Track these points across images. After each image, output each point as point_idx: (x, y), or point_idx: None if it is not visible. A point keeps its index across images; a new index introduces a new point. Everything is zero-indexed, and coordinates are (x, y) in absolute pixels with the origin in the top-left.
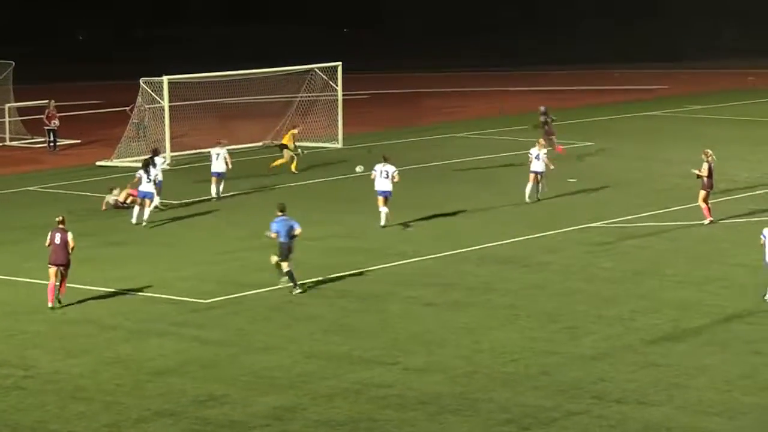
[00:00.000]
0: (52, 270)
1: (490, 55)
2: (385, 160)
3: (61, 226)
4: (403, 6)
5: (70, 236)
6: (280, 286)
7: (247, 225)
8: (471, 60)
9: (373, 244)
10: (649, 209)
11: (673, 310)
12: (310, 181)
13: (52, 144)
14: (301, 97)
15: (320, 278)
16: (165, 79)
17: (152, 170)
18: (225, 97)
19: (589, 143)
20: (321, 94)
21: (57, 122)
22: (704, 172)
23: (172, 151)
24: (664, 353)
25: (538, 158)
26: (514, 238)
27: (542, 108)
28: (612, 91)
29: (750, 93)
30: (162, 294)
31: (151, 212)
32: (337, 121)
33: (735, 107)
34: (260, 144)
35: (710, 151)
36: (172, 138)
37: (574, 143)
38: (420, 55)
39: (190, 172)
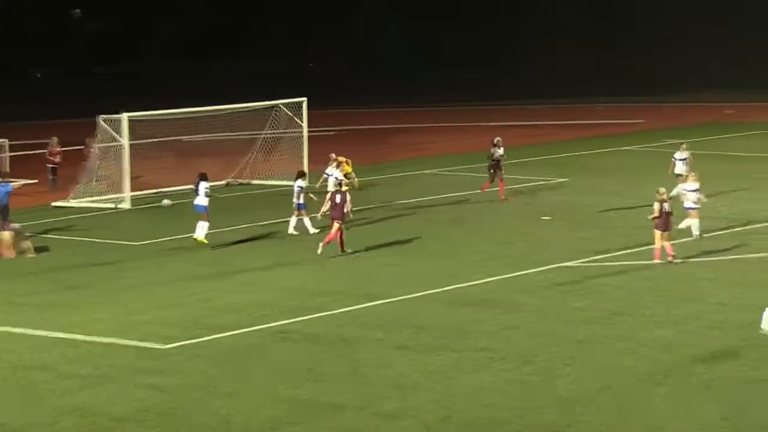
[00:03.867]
0: (335, 223)
1: (469, 88)
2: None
3: (339, 188)
4: (372, 41)
5: (348, 197)
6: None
7: (213, 265)
8: (439, 94)
9: (341, 285)
10: (625, 247)
11: (651, 350)
12: (274, 221)
13: (53, 180)
14: (266, 134)
15: (287, 321)
16: (125, 116)
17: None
18: (187, 134)
19: (564, 179)
20: (286, 131)
21: (59, 158)
22: (656, 213)
23: (132, 190)
24: (643, 395)
25: (694, 192)
26: (487, 278)
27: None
28: (590, 126)
29: (729, 127)
30: (122, 339)
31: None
32: (303, 158)
33: (714, 141)
34: (224, 183)
35: (663, 190)
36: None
37: (548, 179)
38: (387, 90)
39: (152, 212)
